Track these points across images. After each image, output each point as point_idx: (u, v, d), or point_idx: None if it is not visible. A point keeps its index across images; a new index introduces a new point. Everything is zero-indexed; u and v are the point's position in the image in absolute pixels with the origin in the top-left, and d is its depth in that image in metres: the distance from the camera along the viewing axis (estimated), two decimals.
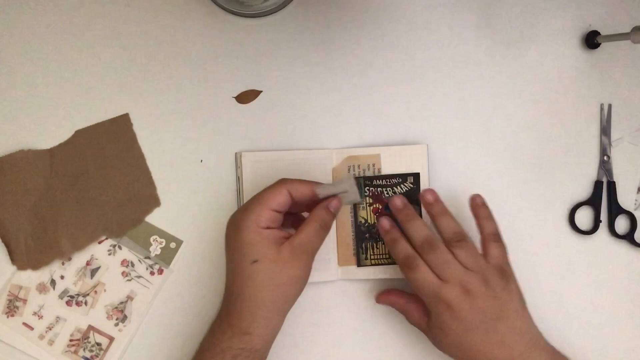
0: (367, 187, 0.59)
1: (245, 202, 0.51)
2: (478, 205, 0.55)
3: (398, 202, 0.55)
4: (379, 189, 0.59)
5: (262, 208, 0.49)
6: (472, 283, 0.50)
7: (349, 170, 0.59)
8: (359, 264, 0.59)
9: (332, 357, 0.59)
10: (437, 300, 0.50)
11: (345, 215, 0.59)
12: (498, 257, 0.53)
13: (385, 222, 0.55)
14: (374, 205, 0.59)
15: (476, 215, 0.55)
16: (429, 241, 0.52)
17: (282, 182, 0.51)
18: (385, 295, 0.58)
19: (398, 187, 0.59)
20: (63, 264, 0.57)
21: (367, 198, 0.59)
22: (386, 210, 0.59)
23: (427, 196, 0.55)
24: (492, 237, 0.53)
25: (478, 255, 0.52)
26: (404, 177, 0.59)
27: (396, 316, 0.59)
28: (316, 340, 0.59)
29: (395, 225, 0.55)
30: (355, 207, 0.59)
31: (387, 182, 0.59)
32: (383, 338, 0.59)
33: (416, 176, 0.59)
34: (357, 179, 0.59)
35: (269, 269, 0.48)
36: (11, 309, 0.57)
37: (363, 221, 0.59)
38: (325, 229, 0.51)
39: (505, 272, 0.52)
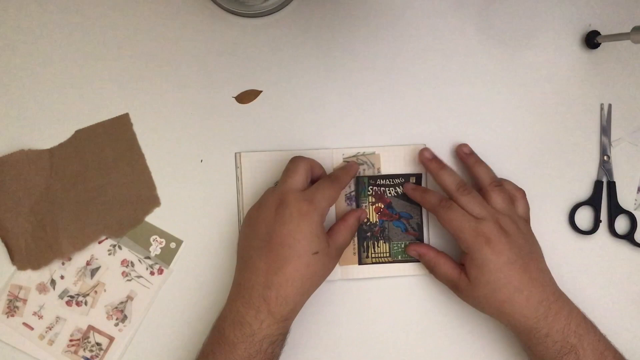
0: (370, 187, 0.59)
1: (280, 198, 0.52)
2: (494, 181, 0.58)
3: (427, 153, 0.58)
4: (381, 188, 0.59)
5: (327, 206, 0.53)
6: (505, 222, 0.53)
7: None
8: (360, 262, 0.59)
9: (332, 357, 0.59)
10: (476, 235, 0.52)
11: None
12: (524, 211, 0.57)
13: (408, 186, 0.59)
14: (376, 205, 0.59)
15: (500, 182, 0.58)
16: (463, 185, 0.55)
17: (338, 182, 0.55)
18: (416, 245, 0.58)
19: (401, 187, 0.59)
20: (63, 264, 0.57)
21: (370, 197, 0.59)
22: (388, 209, 0.59)
23: (464, 148, 0.59)
24: (519, 193, 0.57)
25: (511, 203, 0.56)
26: (406, 177, 0.60)
27: (396, 315, 0.59)
28: (317, 339, 0.59)
29: (419, 186, 0.59)
30: (357, 206, 0.59)
31: (390, 181, 0.59)
32: (383, 337, 0.59)
33: (418, 177, 0.60)
34: (361, 177, 0.59)
35: (323, 261, 0.52)
36: (11, 309, 0.57)
37: (365, 220, 0.59)
38: (354, 235, 0.58)
39: (528, 223, 0.56)
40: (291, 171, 0.53)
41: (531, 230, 0.56)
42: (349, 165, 0.58)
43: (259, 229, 0.51)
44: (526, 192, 0.59)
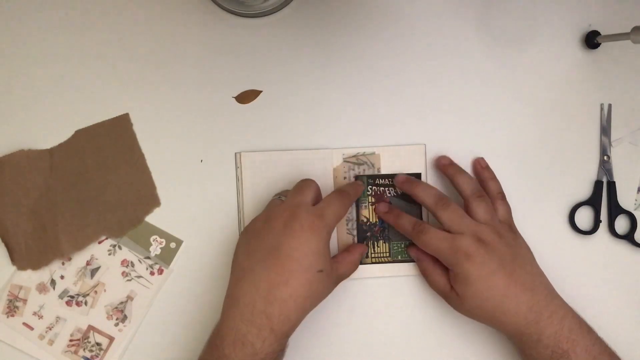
0: (370, 186, 0.59)
1: (299, 203, 0.51)
2: (483, 168, 0.59)
3: (401, 177, 0.58)
4: (381, 188, 0.59)
5: (336, 222, 0.52)
6: (484, 233, 0.52)
7: (352, 175, 0.59)
8: (360, 262, 0.59)
9: (332, 356, 0.59)
10: (455, 251, 0.52)
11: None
12: (505, 214, 0.57)
13: (382, 206, 0.59)
14: (376, 204, 0.59)
15: (481, 178, 0.59)
16: (441, 199, 0.55)
17: (347, 198, 0.54)
18: (417, 251, 0.57)
19: None
20: (63, 264, 0.57)
21: (370, 197, 0.59)
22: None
23: (442, 160, 0.59)
24: (499, 196, 0.57)
25: (493, 211, 0.55)
26: None
27: (396, 315, 0.59)
28: (317, 339, 0.59)
29: (393, 206, 0.59)
30: (357, 206, 0.59)
31: (389, 181, 0.59)
32: (383, 337, 0.59)
33: (417, 177, 0.60)
34: (360, 177, 0.59)
35: (325, 282, 0.51)
36: (11, 309, 0.57)
37: (365, 220, 0.59)
38: (355, 269, 0.57)
39: (512, 227, 0.57)
40: (303, 188, 0.53)
41: (515, 234, 0.56)
42: (356, 183, 0.58)
43: (265, 240, 0.50)
44: (526, 193, 0.59)
